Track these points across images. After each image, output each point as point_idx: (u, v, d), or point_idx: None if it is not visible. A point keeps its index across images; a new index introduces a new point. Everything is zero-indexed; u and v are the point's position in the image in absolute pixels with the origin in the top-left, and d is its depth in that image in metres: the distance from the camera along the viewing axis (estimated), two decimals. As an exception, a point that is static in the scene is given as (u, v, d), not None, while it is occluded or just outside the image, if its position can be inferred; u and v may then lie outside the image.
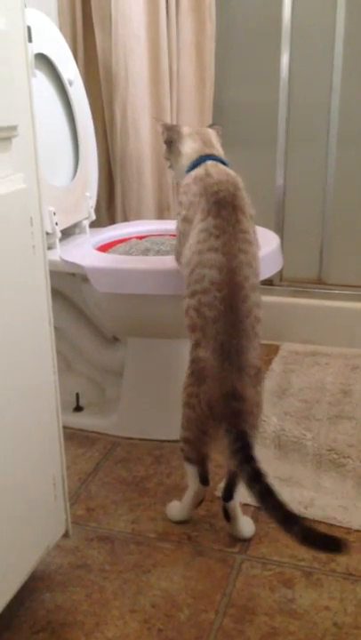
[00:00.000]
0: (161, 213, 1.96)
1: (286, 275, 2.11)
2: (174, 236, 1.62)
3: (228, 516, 1.18)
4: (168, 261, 1.34)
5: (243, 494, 1.28)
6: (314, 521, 1.23)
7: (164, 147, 1.30)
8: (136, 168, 1.88)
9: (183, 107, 1.90)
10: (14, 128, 0.85)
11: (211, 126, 1.36)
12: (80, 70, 1.80)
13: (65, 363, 1.68)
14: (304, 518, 0.96)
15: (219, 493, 1.31)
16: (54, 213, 1.47)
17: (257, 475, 0.99)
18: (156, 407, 1.52)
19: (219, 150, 1.26)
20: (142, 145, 1.87)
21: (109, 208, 2.01)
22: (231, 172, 1.19)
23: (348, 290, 2.05)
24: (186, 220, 1.17)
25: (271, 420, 1.49)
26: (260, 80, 2.04)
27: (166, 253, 1.49)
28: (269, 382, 1.78)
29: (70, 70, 1.61)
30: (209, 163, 1.20)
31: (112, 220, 1.98)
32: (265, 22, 1.98)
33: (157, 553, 1.16)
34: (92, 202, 1.71)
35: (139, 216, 1.89)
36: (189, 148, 1.25)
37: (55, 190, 1.52)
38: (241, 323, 1.06)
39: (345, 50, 1.94)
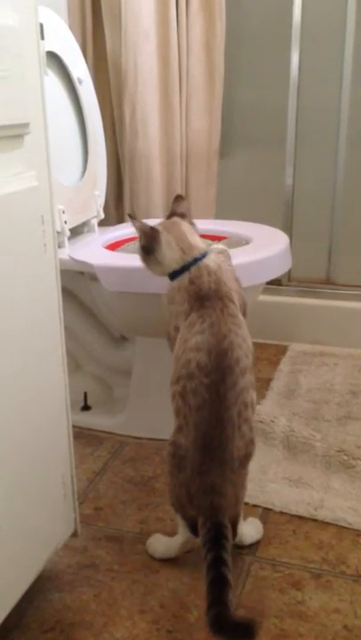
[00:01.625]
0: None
1: (295, 275, 2.10)
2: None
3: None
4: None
5: (250, 496, 1.28)
6: (323, 522, 1.22)
7: (140, 250, 1.20)
8: (145, 167, 1.87)
9: (192, 106, 1.89)
10: (26, 125, 0.85)
11: (176, 211, 1.25)
12: (90, 69, 1.80)
13: (73, 362, 1.68)
14: (231, 619, 0.88)
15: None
16: (63, 212, 1.47)
17: (219, 561, 0.94)
18: (164, 406, 1.50)
19: (198, 247, 1.17)
20: (151, 144, 1.86)
21: (118, 207, 2.00)
22: (213, 267, 1.12)
23: (357, 290, 2.04)
24: (177, 330, 1.12)
25: (280, 420, 1.49)
26: (270, 79, 2.03)
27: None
28: (277, 383, 1.78)
29: (80, 69, 1.61)
30: (192, 270, 1.13)
31: (121, 219, 1.97)
32: (275, 21, 1.98)
33: (166, 553, 1.16)
34: (101, 200, 1.71)
35: (147, 215, 1.89)
36: (168, 259, 1.16)
37: (64, 189, 1.51)
38: (227, 411, 1.00)
39: (355, 49, 1.93)
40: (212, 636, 0.89)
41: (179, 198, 1.28)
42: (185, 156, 1.94)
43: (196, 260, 1.14)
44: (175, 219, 1.23)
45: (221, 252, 1.18)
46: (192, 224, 1.23)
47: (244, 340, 1.06)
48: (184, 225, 1.20)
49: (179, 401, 1.05)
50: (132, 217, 1.21)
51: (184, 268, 1.14)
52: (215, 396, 1.01)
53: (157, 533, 1.17)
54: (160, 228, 1.18)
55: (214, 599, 0.89)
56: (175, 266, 1.15)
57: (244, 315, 1.14)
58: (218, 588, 0.91)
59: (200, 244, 1.18)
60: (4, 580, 0.90)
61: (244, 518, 1.17)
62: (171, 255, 1.16)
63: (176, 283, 1.14)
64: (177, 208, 1.25)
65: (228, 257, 1.18)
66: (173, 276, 1.15)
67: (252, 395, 1.06)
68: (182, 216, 1.23)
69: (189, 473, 1.02)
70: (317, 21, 1.94)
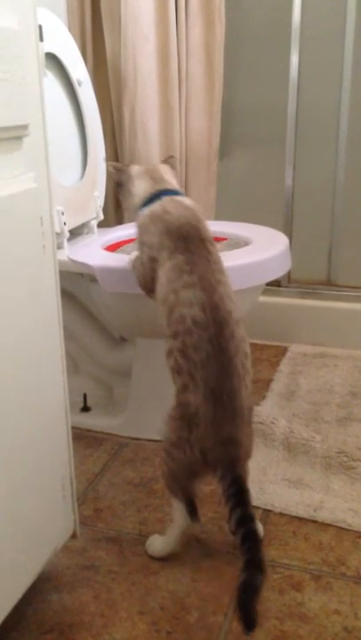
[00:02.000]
0: (169, 214, 1.96)
1: (295, 276, 2.10)
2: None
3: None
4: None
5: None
6: (323, 524, 1.22)
7: (115, 186, 1.25)
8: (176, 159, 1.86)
9: (192, 107, 1.90)
10: (25, 127, 0.85)
11: (165, 160, 1.30)
12: (89, 71, 1.80)
13: (73, 363, 1.67)
14: (263, 572, 0.92)
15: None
16: (63, 213, 1.47)
17: (246, 518, 0.96)
18: (164, 408, 1.50)
19: (172, 184, 1.20)
20: (151, 145, 1.87)
21: (117, 208, 2.00)
22: (190, 204, 1.14)
23: (358, 291, 2.04)
24: (153, 260, 1.12)
25: (280, 422, 1.49)
26: (270, 80, 2.04)
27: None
28: (277, 384, 1.78)
29: (79, 70, 1.61)
30: (164, 199, 1.14)
31: (120, 220, 1.97)
32: (274, 22, 1.98)
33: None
34: (101, 202, 1.71)
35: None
36: (139, 189, 1.19)
37: (64, 190, 1.52)
38: (230, 362, 1.01)
39: (355, 50, 1.93)
40: (241, 595, 0.90)
41: (171, 157, 1.32)
42: (185, 158, 1.94)
43: (168, 192, 1.15)
44: (156, 164, 1.27)
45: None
46: (174, 169, 1.26)
47: (231, 289, 1.07)
48: (161, 166, 1.24)
49: (179, 359, 1.03)
50: (110, 164, 1.26)
51: (155, 197, 1.14)
52: (218, 349, 1.01)
53: (155, 534, 1.17)
54: (131, 165, 1.23)
55: (249, 559, 0.92)
56: (146, 195, 1.16)
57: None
58: (253, 543, 0.93)
59: (175, 184, 1.20)
60: (3, 582, 0.90)
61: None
62: (141, 184, 1.18)
63: (148, 211, 1.14)
64: (165, 159, 1.31)
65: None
66: (145, 205, 1.16)
67: (248, 347, 1.06)
68: (166, 163, 1.28)
69: (203, 428, 1.01)
70: (317, 22, 1.94)
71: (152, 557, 1.15)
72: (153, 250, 1.11)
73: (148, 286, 1.16)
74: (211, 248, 1.08)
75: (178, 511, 1.10)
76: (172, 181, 1.20)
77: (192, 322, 1.02)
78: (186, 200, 1.14)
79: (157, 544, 1.15)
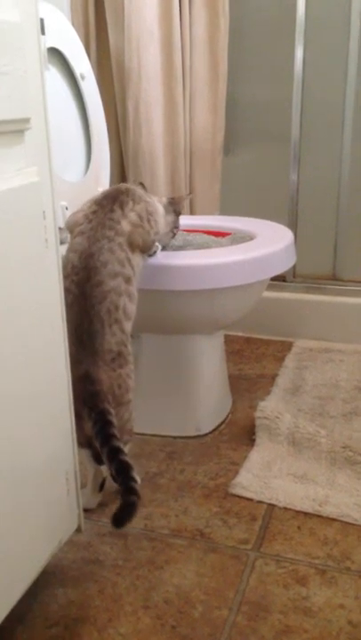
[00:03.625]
0: (174, 209, 1.95)
1: (300, 271, 2.09)
2: (187, 231, 1.62)
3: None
4: (181, 257, 1.33)
5: (255, 492, 1.27)
6: (328, 518, 1.22)
7: None
8: (148, 164, 1.87)
9: (196, 102, 1.89)
10: (27, 120, 0.85)
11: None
12: (93, 66, 1.80)
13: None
14: (137, 495, 1.00)
15: (232, 490, 1.30)
16: (66, 208, 1.46)
17: (114, 451, 1.03)
18: (169, 403, 1.51)
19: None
20: (155, 141, 1.86)
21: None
22: (147, 196, 1.29)
23: (363, 286, 2.03)
24: (75, 224, 1.23)
25: (285, 416, 1.48)
26: (274, 75, 2.03)
27: (178, 248, 1.48)
28: (283, 379, 1.77)
29: (83, 65, 1.60)
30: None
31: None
32: (279, 16, 1.97)
33: (170, 549, 1.16)
34: (105, 197, 1.70)
35: (151, 212, 1.88)
36: None
37: (67, 185, 1.51)
38: (93, 307, 1.10)
39: (360, 44, 1.92)
40: (123, 523, 0.98)
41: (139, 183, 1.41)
42: (189, 153, 1.93)
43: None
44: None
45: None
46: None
47: (120, 248, 1.15)
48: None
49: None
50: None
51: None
52: (82, 292, 1.11)
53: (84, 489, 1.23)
54: None
55: (125, 489, 1.00)
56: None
57: (142, 250, 1.23)
58: (125, 474, 1.01)
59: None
60: (8, 575, 0.90)
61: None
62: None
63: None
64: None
65: (154, 203, 1.32)
66: None
67: (126, 302, 1.14)
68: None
69: (70, 366, 1.09)
70: (322, 16, 1.93)
71: (86, 510, 1.20)
72: (79, 213, 1.24)
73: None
74: (115, 208, 1.18)
75: (86, 459, 1.18)
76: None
77: (71, 267, 1.13)
78: (139, 189, 1.29)
79: (85, 497, 1.22)
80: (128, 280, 1.15)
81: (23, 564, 0.94)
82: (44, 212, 0.90)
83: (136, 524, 1.22)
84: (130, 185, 1.30)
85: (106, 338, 1.10)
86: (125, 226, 1.18)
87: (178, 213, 1.42)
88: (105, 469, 1.16)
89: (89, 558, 1.14)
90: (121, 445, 1.04)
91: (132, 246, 1.19)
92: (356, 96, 1.96)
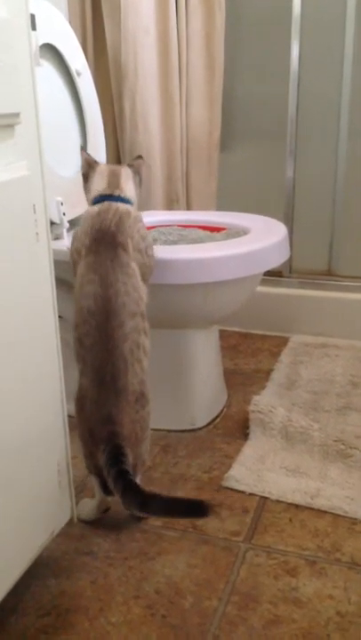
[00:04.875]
0: (170, 205, 1.97)
1: (296, 266, 2.10)
2: (182, 226, 1.63)
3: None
4: (175, 251, 1.34)
5: (247, 484, 1.28)
6: (320, 511, 1.23)
7: (82, 177, 1.36)
8: (145, 160, 1.87)
9: (193, 98, 1.90)
10: (17, 115, 0.86)
11: (133, 161, 1.37)
12: (90, 63, 1.81)
13: (72, 353, 1.68)
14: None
15: (225, 483, 1.31)
16: (62, 203, 1.48)
17: (122, 474, 1.04)
18: (164, 397, 1.52)
19: (124, 189, 1.29)
20: (151, 137, 1.87)
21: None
22: (124, 210, 1.23)
23: (359, 282, 2.03)
24: (78, 252, 1.21)
25: (278, 410, 1.49)
26: (270, 71, 2.03)
27: (173, 243, 1.49)
28: (278, 374, 1.78)
29: (78, 61, 1.61)
30: (105, 203, 1.24)
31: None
32: (275, 13, 1.97)
33: (162, 541, 1.17)
34: (101, 193, 1.71)
35: (147, 208, 1.89)
36: (94, 187, 1.30)
37: (63, 181, 1.52)
38: (116, 348, 1.09)
39: (356, 40, 1.92)
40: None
41: (139, 157, 1.39)
42: (186, 149, 1.94)
43: (112, 198, 1.26)
44: (124, 165, 1.36)
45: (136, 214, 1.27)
46: (137, 175, 1.34)
47: (134, 289, 1.15)
48: (125, 170, 1.32)
49: (77, 346, 1.14)
50: (83, 149, 1.37)
51: (101, 198, 1.26)
52: (104, 335, 1.10)
53: (86, 498, 1.25)
54: (101, 163, 1.33)
55: (129, 493, 1.02)
56: (97, 194, 1.28)
57: (145, 280, 1.22)
58: (133, 491, 1.02)
59: (128, 191, 1.30)
60: (0, 565, 0.91)
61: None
62: (97, 184, 1.29)
63: (91, 209, 1.25)
64: (132, 161, 1.38)
65: (140, 220, 1.27)
66: (94, 202, 1.28)
67: (145, 340, 1.15)
68: (131, 166, 1.35)
69: (89, 407, 1.10)
70: (318, 12, 1.93)
71: (81, 520, 1.21)
72: (79, 244, 1.22)
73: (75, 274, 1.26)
74: (120, 252, 1.17)
75: (95, 486, 1.18)
76: (125, 187, 1.29)
77: (87, 312, 1.12)
78: (122, 207, 1.23)
79: (84, 508, 1.23)
80: (143, 317, 1.16)
81: (15, 553, 0.95)
82: (34, 205, 0.91)
83: (128, 515, 1.23)
84: (116, 212, 1.22)
85: (129, 378, 1.10)
86: (135, 267, 1.18)
87: (140, 177, 1.39)
88: (111, 498, 1.18)
89: (82, 549, 1.15)
90: (131, 472, 1.05)
91: (142, 281, 1.21)
92: (352, 92, 1.97)
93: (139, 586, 1.07)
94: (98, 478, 1.14)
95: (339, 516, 1.21)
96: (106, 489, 1.11)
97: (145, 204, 1.91)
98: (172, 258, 1.31)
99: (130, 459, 1.07)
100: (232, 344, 2.02)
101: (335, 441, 1.39)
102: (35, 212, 0.91)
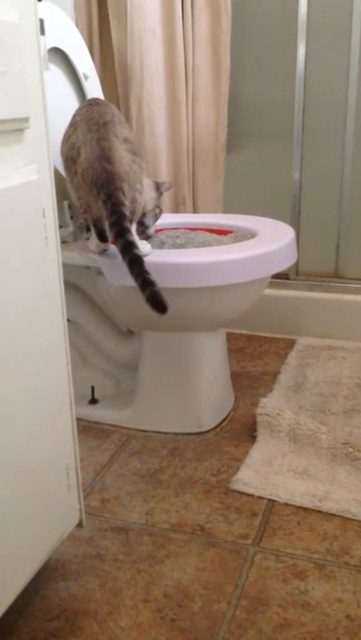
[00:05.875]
0: (177, 208, 1.97)
1: (303, 269, 2.10)
2: (189, 229, 1.63)
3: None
4: (183, 254, 1.34)
5: (255, 487, 1.28)
6: (328, 514, 1.22)
7: None
8: (152, 162, 1.88)
9: (199, 101, 1.90)
10: (26, 120, 0.86)
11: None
12: (96, 66, 1.81)
13: (80, 356, 1.69)
14: (156, 285, 1.15)
15: (233, 486, 1.31)
16: (69, 206, 1.48)
17: (128, 245, 1.17)
18: (171, 400, 1.52)
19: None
20: (158, 140, 1.87)
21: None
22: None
23: (366, 284, 2.03)
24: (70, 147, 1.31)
25: (286, 413, 1.49)
26: (277, 73, 2.03)
27: (181, 246, 1.49)
28: (285, 376, 1.78)
29: (85, 64, 1.62)
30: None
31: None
32: (281, 15, 1.97)
33: (171, 544, 1.17)
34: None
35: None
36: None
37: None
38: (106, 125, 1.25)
39: (362, 41, 1.92)
40: (164, 306, 1.15)
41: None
42: (192, 152, 1.94)
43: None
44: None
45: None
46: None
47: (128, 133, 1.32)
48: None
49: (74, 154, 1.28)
50: None
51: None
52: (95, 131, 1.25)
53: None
54: None
55: (143, 280, 1.15)
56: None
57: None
58: (139, 267, 1.16)
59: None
60: (10, 568, 0.91)
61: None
62: None
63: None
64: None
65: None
66: None
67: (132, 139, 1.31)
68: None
69: (82, 152, 1.23)
70: (324, 14, 1.93)
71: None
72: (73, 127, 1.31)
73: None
74: (111, 127, 1.28)
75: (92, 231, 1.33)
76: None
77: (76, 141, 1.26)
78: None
79: (92, 244, 1.37)
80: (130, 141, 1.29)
81: (24, 557, 0.95)
82: (43, 209, 0.91)
83: (137, 519, 1.24)
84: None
85: (117, 128, 1.25)
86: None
87: (160, 194, 1.49)
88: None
89: (90, 553, 1.16)
90: (134, 239, 1.18)
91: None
92: (359, 94, 1.96)
93: (147, 589, 1.07)
94: (96, 227, 1.30)
95: (347, 519, 1.21)
96: (102, 237, 1.26)
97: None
98: (181, 261, 1.31)
99: (127, 203, 1.19)
100: (239, 347, 2.02)
101: (343, 444, 1.38)
102: (44, 216, 0.91)
